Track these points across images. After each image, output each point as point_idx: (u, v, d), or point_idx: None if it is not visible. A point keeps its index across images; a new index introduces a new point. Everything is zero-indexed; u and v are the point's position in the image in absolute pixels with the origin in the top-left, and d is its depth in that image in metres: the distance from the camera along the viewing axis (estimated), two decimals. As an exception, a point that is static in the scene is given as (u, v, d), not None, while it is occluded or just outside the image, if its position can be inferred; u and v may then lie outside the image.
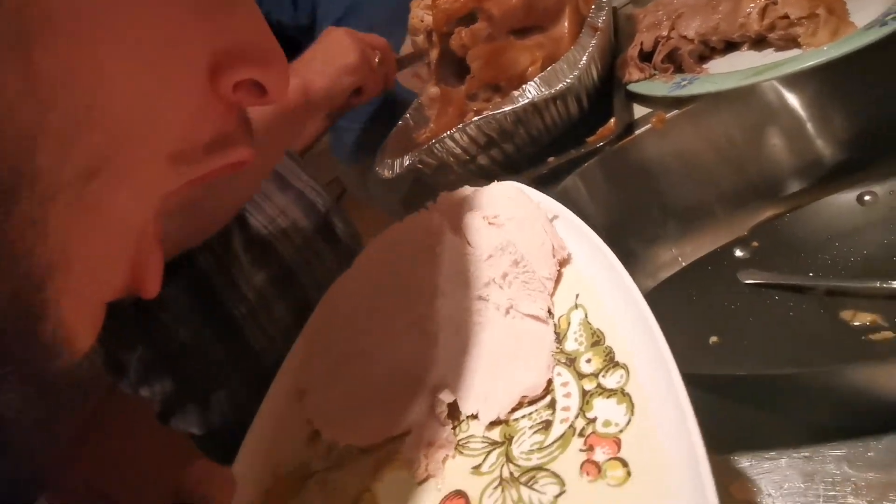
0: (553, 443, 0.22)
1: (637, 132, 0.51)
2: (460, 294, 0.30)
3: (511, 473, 0.22)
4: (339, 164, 1.13)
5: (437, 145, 0.54)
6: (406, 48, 0.69)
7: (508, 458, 0.23)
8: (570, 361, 0.25)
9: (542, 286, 0.28)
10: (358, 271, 0.40)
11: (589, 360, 0.24)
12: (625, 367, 0.23)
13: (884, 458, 0.23)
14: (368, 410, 0.29)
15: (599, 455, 0.20)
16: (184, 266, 0.55)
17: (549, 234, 0.30)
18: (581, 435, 0.21)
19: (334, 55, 0.56)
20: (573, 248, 0.29)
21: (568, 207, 0.52)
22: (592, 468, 0.20)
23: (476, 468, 0.23)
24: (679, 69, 0.53)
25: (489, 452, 0.23)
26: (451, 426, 0.26)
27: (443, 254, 0.32)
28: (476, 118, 0.51)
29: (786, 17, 0.45)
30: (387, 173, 0.60)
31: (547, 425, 0.23)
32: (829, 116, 0.51)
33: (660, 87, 0.52)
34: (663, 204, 0.54)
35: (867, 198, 0.46)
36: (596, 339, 0.25)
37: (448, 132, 0.52)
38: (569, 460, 0.21)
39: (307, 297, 0.64)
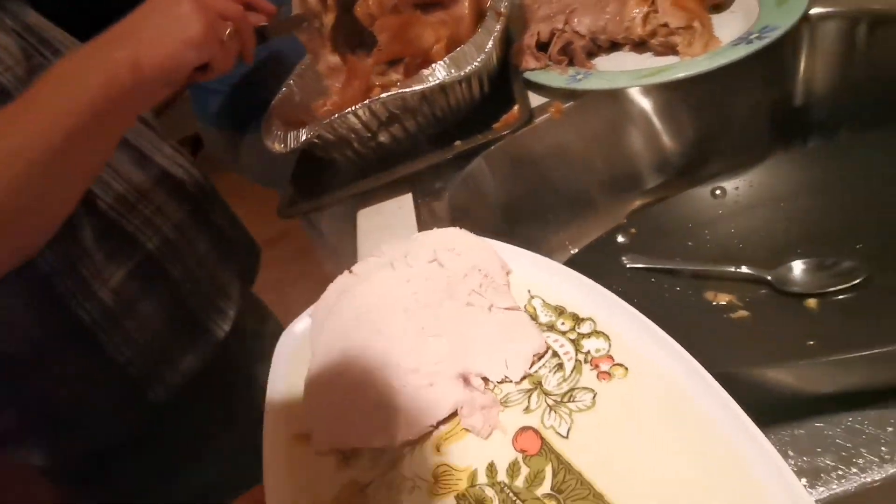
0: (571, 372, 0.31)
1: (536, 121, 0.53)
2: (452, 304, 0.37)
3: (554, 400, 0.30)
4: (199, 122, 1.01)
5: (338, 120, 0.50)
6: (295, 6, 0.63)
7: (545, 393, 0.31)
8: (550, 327, 0.34)
9: (505, 289, 0.37)
10: (339, 306, 0.41)
11: (563, 324, 0.34)
12: (589, 318, 0.34)
13: (807, 444, 0.27)
14: (405, 411, 0.32)
15: (604, 366, 0.31)
16: (21, 268, 0.45)
17: (495, 255, 0.39)
18: (586, 362, 0.31)
19: (172, 25, 0.45)
20: (509, 260, 0.39)
21: (472, 188, 0.53)
22: (604, 375, 0.30)
23: (526, 409, 0.31)
24: (571, 62, 0.56)
25: (529, 396, 0.31)
26: (491, 392, 0.32)
27: (428, 278, 0.39)
28: (384, 95, 0.49)
29: (666, 25, 0.50)
30: (277, 146, 0.55)
31: (559, 366, 0.32)
32: (683, 122, 0.58)
33: (556, 78, 0.54)
34: (555, 190, 0.57)
35: (717, 192, 0.53)
36: (560, 310, 0.35)
37: (352, 108, 0.49)
38: (587, 377, 0.31)
39: (179, 293, 0.56)
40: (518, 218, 0.56)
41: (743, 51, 0.44)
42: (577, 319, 0.34)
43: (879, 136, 0.47)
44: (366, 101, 0.49)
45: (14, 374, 0.51)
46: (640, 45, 0.54)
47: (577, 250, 0.59)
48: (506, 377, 0.32)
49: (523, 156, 0.55)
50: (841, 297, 0.41)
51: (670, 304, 0.47)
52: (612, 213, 0.59)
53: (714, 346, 0.40)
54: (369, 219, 0.54)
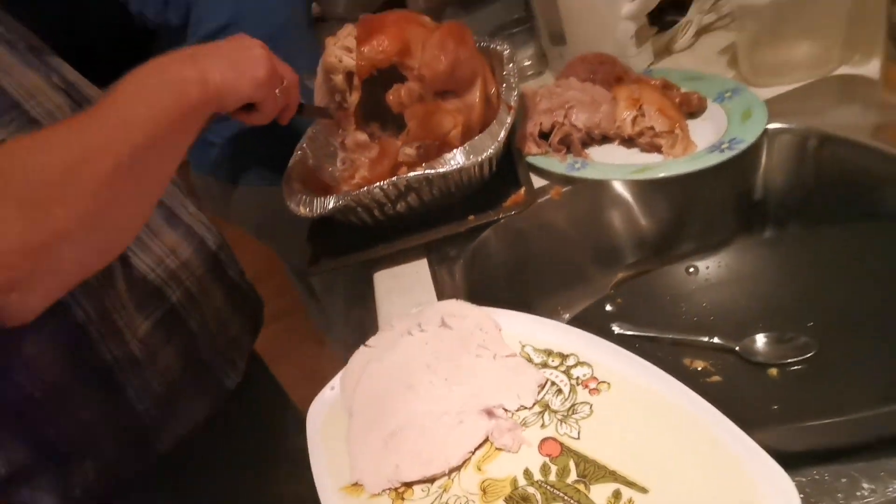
0: (569, 393, 0.41)
1: (539, 200, 0.60)
2: (465, 357, 0.44)
3: (561, 415, 0.40)
4: (194, 171, 1.06)
5: (366, 193, 0.57)
6: (317, 84, 0.70)
7: (554, 412, 0.40)
8: (544, 365, 0.44)
9: (502, 342, 0.45)
10: (369, 371, 0.47)
11: (553, 361, 0.44)
12: (572, 353, 0.43)
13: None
14: (445, 445, 0.39)
15: (592, 385, 0.41)
16: (56, 314, 0.46)
17: (488, 317, 0.47)
18: (578, 384, 0.41)
19: (243, 62, 0.51)
20: (499, 320, 0.48)
21: (483, 257, 0.60)
22: (594, 391, 0.40)
23: (542, 425, 0.39)
24: (568, 150, 0.65)
25: (542, 416, 0.40)
26: (511, 418, 0.40)
27: (441, 339, 0.47)
28: (412, 174, 0.55)
29: (652, 128, 0.59)
30: (304, 210, 0.60)
31: (559, 391, 0.41)
32: (660, 208, 0.66)
33: (557, 164, 0.62)
34: (551, 261, 0.64)
35: (691, 270, 0.61)
36: (548, 352, 0.44)
37: (380, 183, 0.56)
38: (582, 395, 0.40)
39: (195, 344, 0.59)
40: (519, 284, 0.62)
41: (717, 158, 0.52)
42: (563, 356, 0.44)
43: (824, 231, 0.57)
44: (394, 179, 0.56)
45: (34, 416, 0.52)
46: (629, 141, 0.63)
47: (568, 315, 0.66)
48: (521, 405, 0.41)
49: (525, 230, 0.62)
50: (797, 367, 0.48)
51: (654, 368, 0.53)
52: (600, 284, 0.66)
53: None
54: (386, 281, 0.60)
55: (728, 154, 0.52)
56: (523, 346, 0.45)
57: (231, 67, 0.49)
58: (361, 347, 0.50)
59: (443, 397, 0.43)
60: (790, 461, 0.35)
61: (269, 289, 0.77)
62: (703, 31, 0.80)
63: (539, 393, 0.41)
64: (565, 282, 0.66)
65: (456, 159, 0.56)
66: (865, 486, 0.34)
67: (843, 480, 0.34)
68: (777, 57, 0.63)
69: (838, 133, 0.53)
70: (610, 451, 0.36)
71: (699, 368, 0.52)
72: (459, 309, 0.50)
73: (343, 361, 0.49)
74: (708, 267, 0.60)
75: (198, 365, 0.60)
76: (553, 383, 0.42)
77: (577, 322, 0.60)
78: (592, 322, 0.59)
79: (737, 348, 0.51)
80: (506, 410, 0.41)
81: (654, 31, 0.79)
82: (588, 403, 0.40)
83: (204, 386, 0.61)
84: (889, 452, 0.34)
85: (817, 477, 0.34)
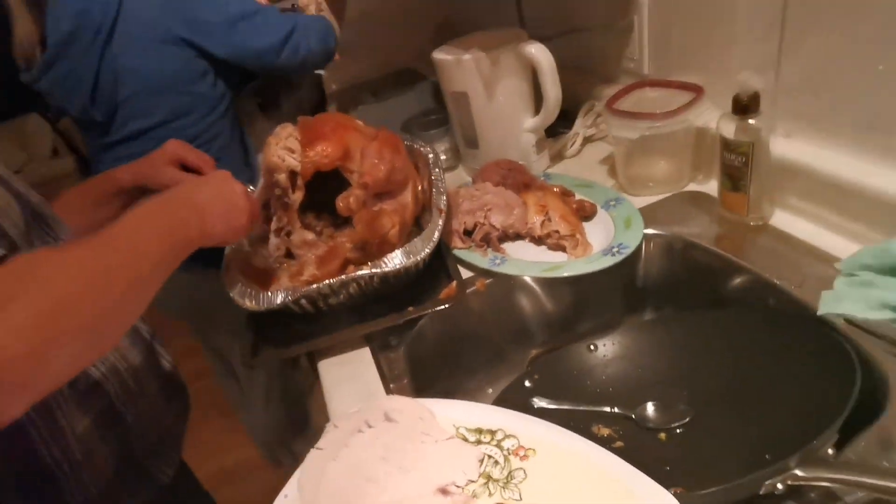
0: (504, 463, 0.48)
1: (468, 290, 0.69)
2: (412, 446, 0.51)
3: (503, 482, 0.47)
4: None
5: (314, 289, 0.61)
6: (259, 184, 0.75)
7: (496, 481, 0.47)
8: (478, 442, 0.51)
9: (439, 428, 0.52)
10: (327, 470, 0.51)
11: (485, 437, 0.51)
12: (499, 429, 0.51)
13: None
14: None
15: (521, 453, 0.48)
16: None
17: (423, 407, 0.54)
18: (510, 454, 0.49)
19: (233, 214, 0.59)
20: (432, 408, 0.54)
21: (421, 344, 0.66)
22: (524, 458, 0.48)
23: (489, 494, 0.46)
24: (487, 246, 0.75)
25: (487, 486, 0.47)
26: (462, 492, 0.47)
27: (388, 432, 0.53)
28: (358, 273, 0.61)
29: (557, 231, 0.72)
30: (249, 303, 0.63)
31: (496, 462, 0.49)
32: (562, 295, 0.77)
33: (480, 259, 0.72)
34: (476, 344, 0.73)
35: (592, 347, 0.73)
36: (479, 430, 0.51)
37: (330, 280, 0.61)
38: (514, 462, 0.48)
39: (130, 442, 0.59)
40: (451, 366, 0.70)
41: (610, 261, 0.65)
42: (492, 432, 0.51)
43: (690, 315, 0.71)
44: (342, 277, 0.61)
45: None
46: (538, 240, 0.75)
47: (492, 390, 0.74)
48: (468, 480, 0.47)
49: (455, 317, 0.70)
50: (679, 431, 0.60)
51: (570, 438, 0.63)
52: (517, 361, 0.76)
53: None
54: (332, 370, 0.64)
55: (619, 257, 0.66)
56: (457, 428, 0.53)
57: (224, 220, 0.58)
58: (313, 451, 0.53)
59: (401, 484, 0.49)
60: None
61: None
62: (587, 140, 0.97)
63: (480, 466, 0.49)
64: (488, 360, 0.74)
65: (398, 259, 0.63)
66: None
67: None
68: (644, 172, 0.80)
69: (694, 240, 0.69)
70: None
71: (605, 435, 0.62)
72: (398, 403, 0.56)
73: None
74: (605, 345, 0.72)
75: (131, 461, 0.59)
76: (490, 456, 0.50)
77: (502, 397, 0.68)
78: (515, 397, 0.67)
79: (633, 416, 0.62)
80: (457, 486, 0.47)
81: (549, 141, 0.94)
82: (522, 469, 0.48)
83: (139, 482, 0.60)
84: None
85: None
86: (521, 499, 0.45)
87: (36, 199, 0.58)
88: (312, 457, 0.53)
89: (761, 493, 0.43)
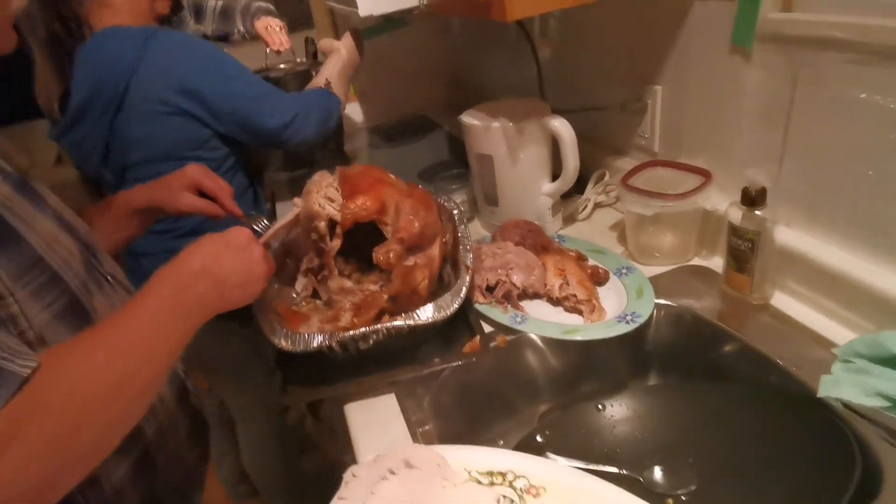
0: (519, 501, 0.52)
1: (490, 345, 0.73)
2: (434, 490, 0.54)
3: None
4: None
5: (350, 335, 0.65)
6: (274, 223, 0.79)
7: None
8: (491, 484, 0.54)
9: (454, 472, 0.55)
10: None
11: (496, 479, 0.54)
12: (509, 470, 0.54)
13: None
14: None
15: (533, 492, 0.52)
16: None
17: (437, 454, 0.56)
18: (524, 492, 0.53)
19: (251, 280, 0.58)
20: (444, 454, 0.57)
21: (444, 395, 0.70)
22: (536, 496, 0.52)
23: None
24: (508, 303, 0.79)
25: None
26: None
27: (411, 477, 0.55)
28: (390, 324, 0.65)
29: (574, 295, 0.76)
30: (285, 344, 0.66)
31: (511, 501, 0.52)
32: (572, 356, 0.82)
33: (501, 315, 0.76)
34: (490, 398, 0.76)
35: (600, 407, 0.77)
36: (490, 472, 0.55)
37: (364, 328, 0.65)
38: (529, 500, 0.52)
39: (156, 484, 0.59)
40: (468, 417, 0.73)
41: (625, 328, 0.70)
42: (502, 474, 0.55)
43: (693, 385, 0.76)
44: (377, 326, 0.65)
45: None
46: (555, 301, 0.79)
47: (502, 442, 0.77)
48: None
49: (474, 371, 0.74)
50: (684, 498, 0.64)
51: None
52: (527, 416, 0.79)
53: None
54: (358, 415, 0.66)
55: (632, 325, 0.71)
56: (469, 472, 0.56)
57: (241, 289, 0.57)
58: (336, 501, 0.54)
59: None
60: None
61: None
62: (597, 206, 1.03)
63: None
64: (501, 414, 0.78)
65: (429, 312, 0.67)
66: None
67: None
68: (652, 243, 0.86)
69: (703, 314, 0.75)
70: None
71: (614, 494, 0.66)
72: (415, 451, 0.58)
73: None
74: (612, 405, 0.76)
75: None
76: (504, 496, 0.53)
77: (514, 450, 0.71)
78: (529, 452, 0.70)
79: (640, 479, 0.66)
80: None
81: (563, 204, 1.00)
82: None
83: None
84: None
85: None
86: None
87: (83, 230, 0.60)
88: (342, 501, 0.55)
89: None
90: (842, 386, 0.56)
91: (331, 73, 1.17)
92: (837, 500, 0.48)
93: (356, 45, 1.18)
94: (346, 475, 0.57)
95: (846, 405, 0.56)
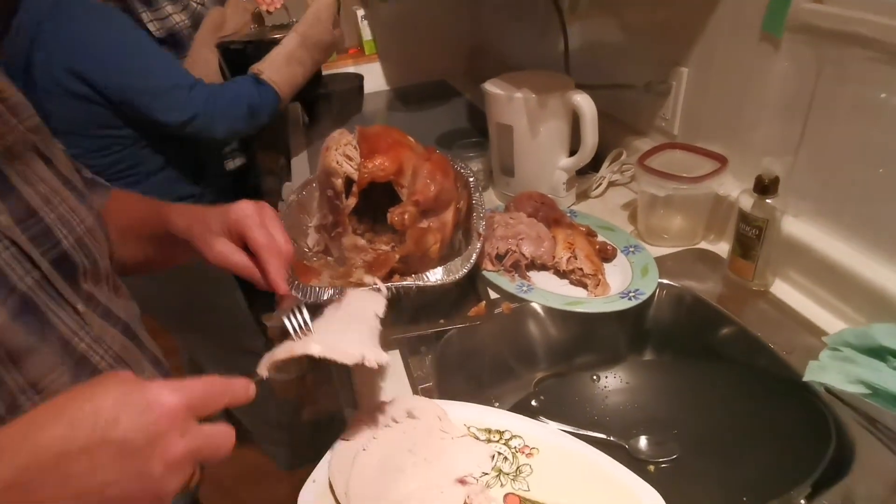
0: (513, 459, 0.56)
1: (495, 311, 0.77)
2: (433, 440, 0.58)
3: (512, 476, 0.55)
4: None
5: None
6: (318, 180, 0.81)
7: (506, 474, 0.55)
8: (489, 440, 0.58)
9: (453, 426, 0.60)
10: (360, 459, 0.57)
11: (494, 436, 0.59)
12: (506, 429, 0.59)
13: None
14: None
15: (526, 451, 0.57)
16: None
17: (438, 407, 0.61)
18: (517, 451, 0.57)
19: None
20: (446, 409, 0.62)
21: (447, 354, 0.73)
22: (529, 455, 0.56)
23: (501, 485, 0.54)
24: (515, 272, 0.82)
25: (499, 478, 0.55)
26: (477, 483, 0.55)
27: (413, 427, 0.60)
28: (403, 283, 0.68)
29: (581, 269, 0.79)
30: (295, 294, 0.70)
31: (505, 458, 0.57)
32: (571, 327, 0.85)
33: (507, 283, 0.79)
34: (490, 361, 0.80)
35: (594, 378, 0.81)
36: (488, 430, 0.59)
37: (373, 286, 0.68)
38: (521, 458, 0.56)
39: None
40: (468, 378, 0.77)
41: (627, 304, 0.73)
42: (500, 432, 0.59)
43: (687, 363, 0.80)
44: (387, 284, 0.68)
45: None
46: (561, 273, 0.82)
47: (498, 404, 0.82)
48: (483, 472, 0.55)
49: (478, 334, 0.78)
50: (665, 466, 0.68)
51: (570, 457, 0.70)
52: (523, 380, 0.83)
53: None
54: (364, 368, 0.70)
55: (634, 302, 0.74)
56: (468, 428, 0.60)
57: None
58: (339, 441, 0.59)
59: (425, 474, 0.56)
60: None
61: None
62: (611, 184, 1.05)
63: (492, 461, 0.57)
64: (499, 377, 0.82)
65: (439, 274, 0.70)
66: None
67: None
68: (662, 224, 0.88)
69: (703, 296, 0.77)
70: (552, 495, 0.53)
71: (601, 459, 0.70)
72: (418, 402, 0.63)
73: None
74: (607, 377, 0.80)
75: None
76: (499, 453, 0.58)
77: (510, 410, 0.75)
78: (523, 414, 0.75)
79: (626, 446, 0.70)
80: (473, 477, 0.55)
81: (577, 179, 1.02)
82: (528, 464, 0.56)
83: None
84: None
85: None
86: (529, 489, 0.54)
87: (81, 230, 0.52)
88: (340, 447, 0.59)
89: None
90: (827, 372, 0.59)
91: (275, 57, 1.10)
92: (808, 475, 0.51)
93: (327, 18, 1.10)
94: (351, 419, 0.62)
95: (829, 390, 0.59)
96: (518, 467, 0.56)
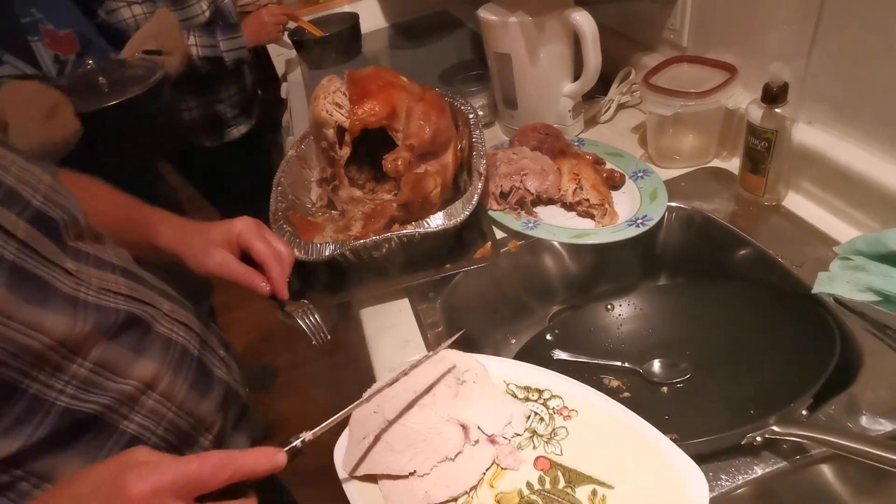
0: (549, 420, 0.55)
1: (501, 251, 0.80)
2: (466, 389, 0.57)
3: (546, 438, 0.53)
4: None
5: (360, 244, 0.72)
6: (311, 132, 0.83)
7: (540, 436, 0.54)
8: (526, 399, 0.57)
9: (491, 382, 0.58)
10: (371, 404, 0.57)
11: (533, 395, 0.57)
12: (546, 389, 0.57)
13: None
14: (465, 468, 0.51)
15: (565, 413, 0.55)
16: None
17: (477, 361, 0.60)
18: (555, 413, 0.55)
19: None
20: (485, 363, 0.60)
21: (455, 297, 0.77)
22: (567, 417, 0.55)
23: (533, 447, 0.53)
24: (521, 209, 0.84)
25: (532, 440, 0.54)
26: (508, 443, 0.54)
27: (447, 375, 0.58)
28: (401, 232, 0.72)
29: (588, 199, 0.81)
30: (298, 254, 0.72)
31: (541, 419, 0.55)
32: (585, 259, 0.88)
33: (514, 222, 0.82)
34: (504, 298, 0.84)
35: (609, 307, 0.84)
36: (527, 388, 0.58)
37: (375, 236, 0.72)
38: (558, 421, 0.54)
39: None
40: (481, 318, 0.81)
41: (634, 231, 0.75)
42: (539, 391, 0.58)
43: (700, 284, 0.82)
44: (387, 234, 0.72)
45: None
46: (568, 206, 0.84)
47: (514, 341, 0.86)
48: (515, 433, 0.54)
49: (486, 274, 0.81)
50: (679, 386, 0.71)
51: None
52: (539, 316, 0.87)
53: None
54: (373, 319, 0.75)
55: (643, 229, 0.75)
56: (507, 385, 0.59)
57: None
58: (399, 374, 0.57)
59: (451, 414, 0.55)
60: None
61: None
62: (621, 107, 1.04)
63: (527, 422, 0.55)
64: (513, 314, 0.86)
65: (439, 220, 0.73)
66: (723, 477, 0.52)
67: (710, 474, 0.52)
68: (672, 145, 0.88)
69: (713, 215, 0.78)
70: (585, 462, 0.51)
71: (614, 386, 0.74)
72: (458, 356, 0.61)
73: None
74: (621, 305, 0.83)
75: None
76: (536, 413, 0.56)
77: (526, 348, 0.80)
78: (538, 349, 0.79)
79: (640, 370, 0.74)
80: (504, 437, 0.54)
81: (584, 105, 1.01)
82: (564, 427, 0.54)
83: None
84: (735, 455, 0.53)
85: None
86: (561, 454, 0.52)
87: (44, 187, 0.51)
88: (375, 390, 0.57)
89: (742, 443, 0.52)
90: (836, 283, 0.60)
91: None
92: (813, 385, 0.54)
93: None
94: (405, 366, 0.58)
95: (837, 300, 0.61)
96: (554, 430, 0.54)
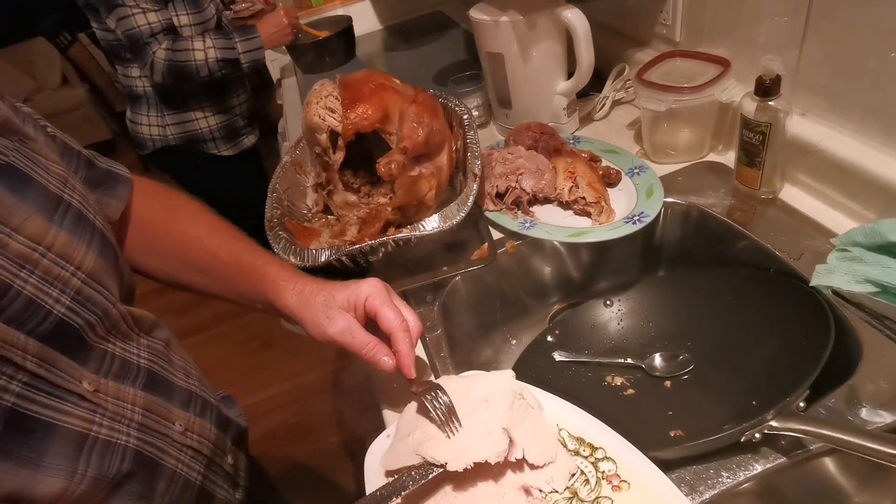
0: (595, 485, 0.49)
1: (498, 251, 0.80)
2: (516, 414, 0.52)
3: (586, 503, 0.48)
4: None
5: (356, 249, 0.72)
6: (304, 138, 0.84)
7: (580, 500, 0.48)
8: (576, 453, 0.52)
9: (544, 421, 0.54)
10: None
11: (584, 450, 0.52)
12: (601, 447, 0.51)
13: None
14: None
15: (615, 482, 0.49)
16: None
17: (533, 396, 0.56)
18: (603, 478, 0.49)
19: None
20: (541, 399, 0.56)
21: (453, 299, 0.78)
22: (616, 488, 0.48)
23: None
24: (518, 209, 0.85)
25: (570, 501, 0.48)
26: (545, 499, 0.48)
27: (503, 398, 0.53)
28: (397, 235, 0.72)
29: (584, 198, 0.81)
30: (294, 260, 0.74)
31: (587, 481, 0.49)
32: (583, 256, 0.88)
33: (510, 222, 0.82)
34: (503, 299, 0.84)
35: (608, 303, 0.84)
36: (580, 440, 0.52)
37: (370, 242, 0.72)
38: (605, 489, 0.48)
39: None
40: (478, 319, 0.82)
41: (631, 229, 0.75)
42: (593, 447, 0.51)
43: (698, 274, 0.82)
44: (383, 238, 0.72)
45: None
46: (565, 204, 0.84)
47: (514, 341, 0.87)
48: (553, 489, 0.49)
49: (484, 276, 0.81)
50: (682, 378, 0.71)
51: (586, 386, 0.74)
52: (540, 315, 0.88)
53: (621, 422, 0.55)
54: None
55: (639, 226, 0.76)
56: (560, 429, 0.53)
57: None
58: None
59: (499, 422, 0.50)
60: (681, 463, 0.54)
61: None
62: (615, 103, 1.04)
63: (570, 479, 0.49)
64: (512, 314, 0.86)
65: (435, 222, 0.73)
66: (724, 474, 0.52)
67: (711, 472, 0.52)
68: (668, 140, 0.88)
69: (709, 210, 0.79)
70: None
71: (618, 384, 0.74)
72: (522, 386, 0.56)
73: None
74: (620, 300, 0.83)
75: None
76: (582, 472, 0.49)
77: (527, 352, 0.80)
78: (539, 351, 0.79)
79: (643, 365, 0.74)
80: (540, 491, 0.49)
81: (579, 103, 1.02)
82: (610, 499, 0.47)
83: None
84: (736, 452, 0.53)
85: (695, 469, 0.53)
86: None
87: (79, 279, 0.45)
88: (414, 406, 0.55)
89: (742, 441, 0.52)
90: (834, 275, 0.61)
91: None
92: (809, 374, 0.54)
93: None
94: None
95: (836, 292, 0.61)
96: (597, 498, 0.47)
